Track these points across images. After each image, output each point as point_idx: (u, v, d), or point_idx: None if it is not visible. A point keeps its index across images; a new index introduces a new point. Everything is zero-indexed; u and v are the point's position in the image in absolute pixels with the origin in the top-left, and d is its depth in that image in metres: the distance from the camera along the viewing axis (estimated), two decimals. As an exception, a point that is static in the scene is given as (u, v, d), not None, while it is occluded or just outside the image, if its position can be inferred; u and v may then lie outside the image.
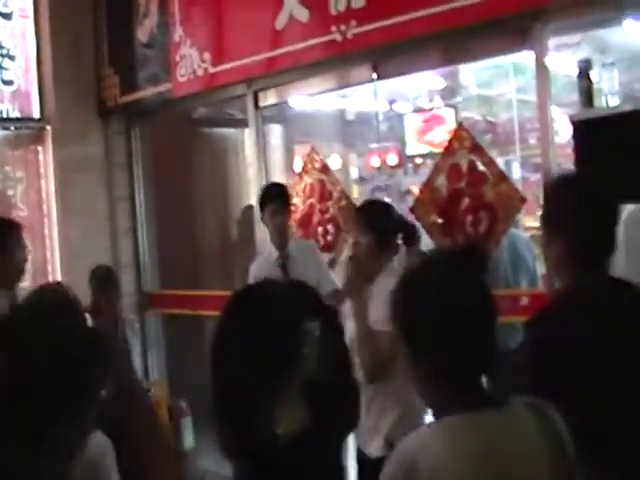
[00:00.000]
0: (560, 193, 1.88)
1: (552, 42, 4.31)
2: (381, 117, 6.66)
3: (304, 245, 4.10)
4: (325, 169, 4.62)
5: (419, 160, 7.65)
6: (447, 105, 7.36)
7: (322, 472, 0.83)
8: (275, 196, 3.83)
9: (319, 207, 4.60)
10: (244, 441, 0.78)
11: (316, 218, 4.61)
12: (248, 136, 4.96)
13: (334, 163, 7.83)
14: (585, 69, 3.82)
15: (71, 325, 1.28)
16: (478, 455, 1.29)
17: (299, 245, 4.00)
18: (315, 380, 0.76)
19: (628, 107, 2.84)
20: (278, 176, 5.03)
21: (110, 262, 5.11)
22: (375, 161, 7.91)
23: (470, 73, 6.82)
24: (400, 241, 3.06)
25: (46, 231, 5.38)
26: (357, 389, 1.11)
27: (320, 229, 4.58)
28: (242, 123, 5.09)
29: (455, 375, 1.36)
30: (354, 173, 7.63)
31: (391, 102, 7.56)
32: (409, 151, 7.46)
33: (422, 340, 1.36)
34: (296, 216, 4.55)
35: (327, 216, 4.56)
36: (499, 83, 6.65)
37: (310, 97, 5.17)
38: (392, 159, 7.88)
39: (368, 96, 7.43)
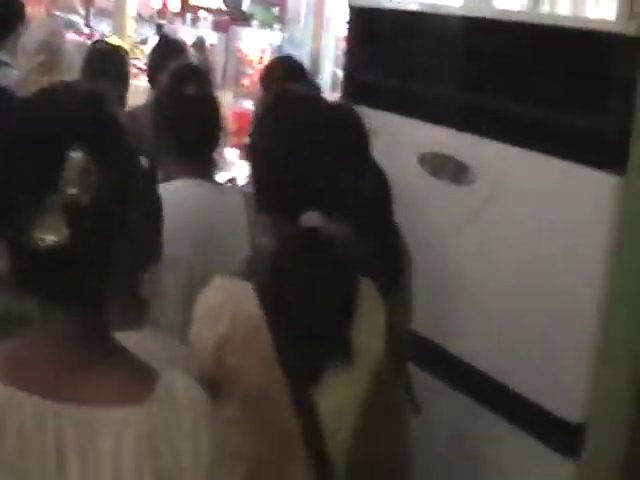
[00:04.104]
0: None
1: None
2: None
3: None
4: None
5: (202, 13, 7.35)
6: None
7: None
8: None
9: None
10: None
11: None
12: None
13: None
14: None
15: None
16: (190, 206, 1.61)
17: None
18: (76, 206, 0.74)
19: (415, 7, 2.38)
20: None
21: None
22: (156, 2, 7.48)
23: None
24: None
25: None
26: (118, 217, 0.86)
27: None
28: None
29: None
30: (132, 10, 7.18)
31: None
32: (193, 1, 7.12)
33: None
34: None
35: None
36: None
37: None
38: (174, 5, 7.49)
39: None
